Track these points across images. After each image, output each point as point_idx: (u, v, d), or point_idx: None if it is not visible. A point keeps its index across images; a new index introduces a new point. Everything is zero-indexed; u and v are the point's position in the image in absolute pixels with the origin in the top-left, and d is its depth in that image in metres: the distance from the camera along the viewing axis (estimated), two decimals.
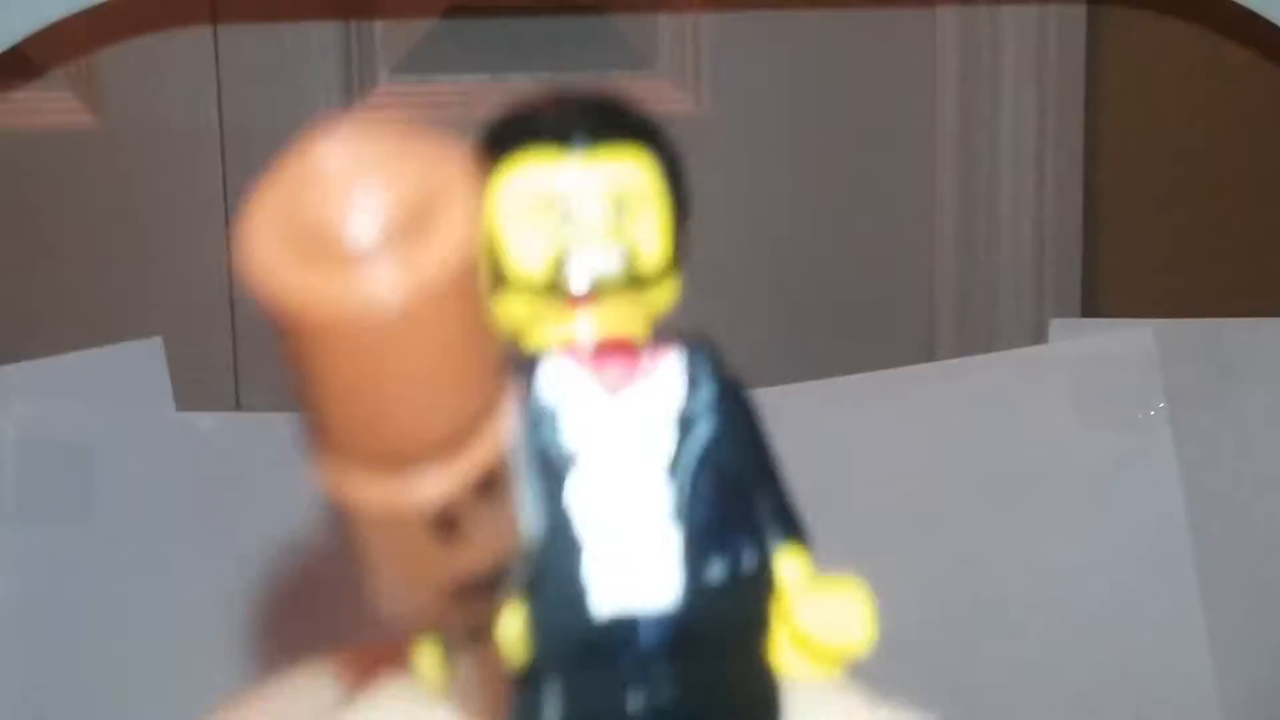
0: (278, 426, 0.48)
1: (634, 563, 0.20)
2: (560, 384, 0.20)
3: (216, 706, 0.23)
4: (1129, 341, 0.42)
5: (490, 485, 0.16)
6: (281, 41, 0.74)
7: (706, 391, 0.21)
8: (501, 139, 0.21)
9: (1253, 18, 0.42)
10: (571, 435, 0.20)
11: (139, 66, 0.74)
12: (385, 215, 0.14)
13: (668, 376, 0.21)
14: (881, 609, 0.24)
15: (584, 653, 0.20)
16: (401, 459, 0.16)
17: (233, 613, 0.45)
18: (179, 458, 0.46)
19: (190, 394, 0.50)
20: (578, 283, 0.20)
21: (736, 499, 0.21)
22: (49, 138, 0.74)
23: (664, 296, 0.22)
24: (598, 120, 0.21)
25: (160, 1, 0.73)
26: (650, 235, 0.21)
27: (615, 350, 0.21)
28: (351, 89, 0.75)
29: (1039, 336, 0.72)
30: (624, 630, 0.20)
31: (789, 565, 0.21)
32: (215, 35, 0.74)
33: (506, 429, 0.16)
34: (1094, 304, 0.74)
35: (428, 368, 0.15)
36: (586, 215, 0.20)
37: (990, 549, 0.42)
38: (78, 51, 0.73)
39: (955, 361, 0.45)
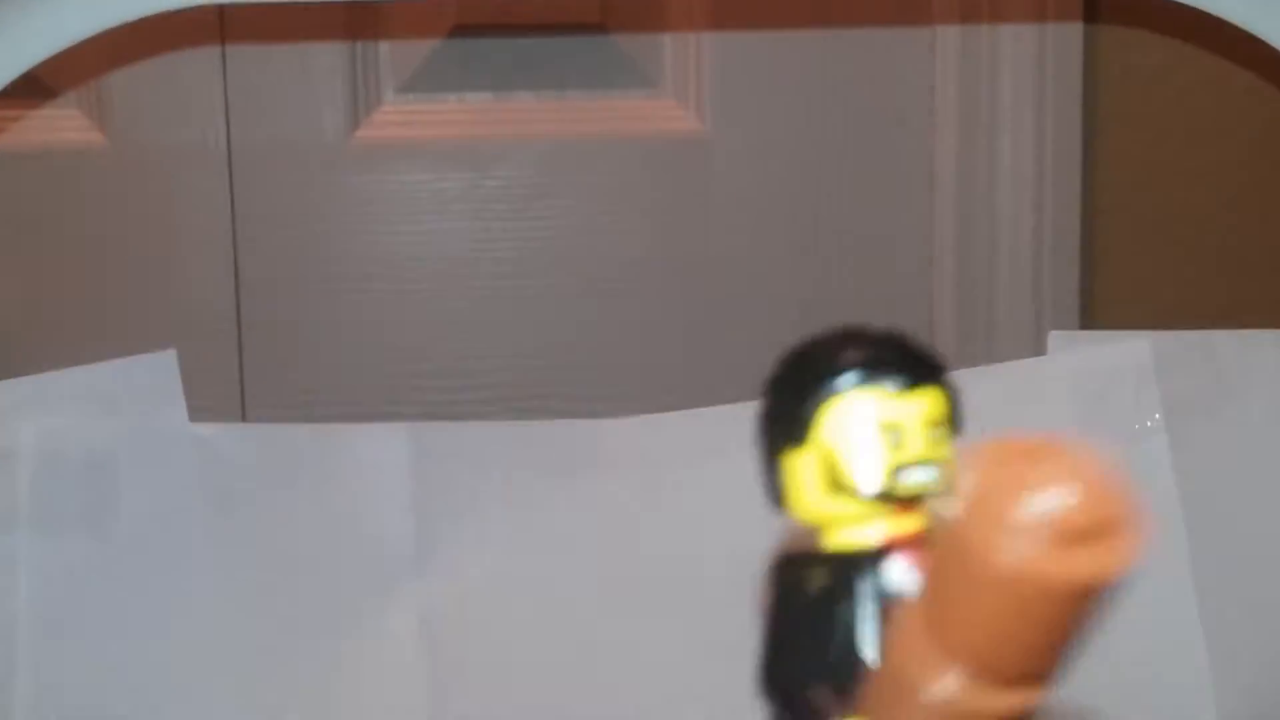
0: (290, 438, 0.48)
1: None
2: (904, 575, 0.25)
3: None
4: (1125, 353, 0.42)
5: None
6: (288, 62, 0.75)
7: None
8: (840, 370, 0.26)
9: (1250, 39, 0.43)
10: None
11: (148, 86, 0.74)
12: (1092, 519, 0.19)
13: None
14: None
15: None
16: (985, 675, 0.21)
17: (246, 622, 0.46)
18: (193, 469, 0.46)
19: (196, 408, 0.50)
20: (909, 492, 0.26)
21: None
22: (59, 156, 0.75)
23: None
24: (910, 359, 0.27)
25: (170, 23, 0.74)
26: (947, 452, 0.26)
27: (921, 544, 0.26)
28: (357, 108, 0.76)
29: (1038, 349, 0.72)
30: None
31: None
32: (223, 56, 0.74)
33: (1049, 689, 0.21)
34: (1092, 318, 0.75)
35: (1073, 627, 0.20)
36: (912, 439, 0.26)
37: None
38: (89, 72, 0.74)
39: (952, 374, 0.46)
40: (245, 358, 0.76)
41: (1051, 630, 0.21)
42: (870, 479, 0.26)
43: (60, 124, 0.75)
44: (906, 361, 0.26)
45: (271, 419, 0.73)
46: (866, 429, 0.26)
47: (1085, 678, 0.42)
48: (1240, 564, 0.42)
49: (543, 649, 0.49)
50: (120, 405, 0.46)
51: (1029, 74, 0.74)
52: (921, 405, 0.26)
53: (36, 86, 0.74)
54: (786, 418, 0.27)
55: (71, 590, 0.45)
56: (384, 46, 0.76)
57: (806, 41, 0.75)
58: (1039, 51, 0.74)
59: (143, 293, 0.75)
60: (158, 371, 0.46)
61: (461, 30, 0.76)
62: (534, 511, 0.49)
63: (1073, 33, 0.74)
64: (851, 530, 0.26)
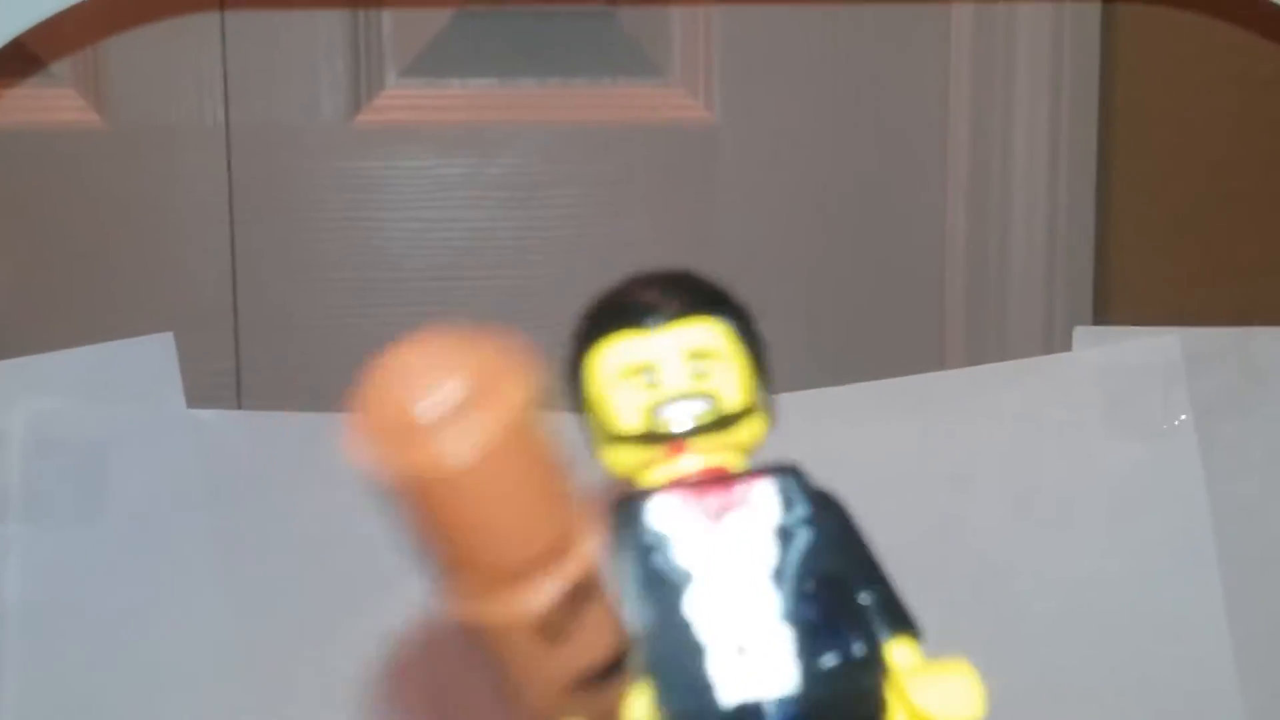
0: (291, 425, 0.47)
1: (753, 658, 0.24)
2: (668, 515, 0.24)
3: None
4: (1154, 349, 0.42)
5: (583, 592, 0.20)
6: (289, 44, 0.74)
7: (800, 508, 0.25)
8: (595, 322, 0.26)
9: (1277, 19, 0.42)
10: (684, 557, 0.24)
11: (145, 64, 0.73)
12: (449, 398, 0.19)
13: (763, 499, 0.25)
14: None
15: None
16: (500, 580, 0.20)
17: (243, 609, 0.45)
18: (190, 455, 0.45)
19: (190, 394, 0.49)
20: (669, 429, 0.25)
21: (840, 595, 0.25)
22: (54, 136, 0.74)
23: (753, 432, 0.25)
24: (671, 294, 0.25)
25: None
26: (728, 383, 0.25)
27: (712, 482, 0.25)
28: (358, 91, 0.75)
29: (1049, 345, 0.71)
30: (751, 715, 0.23)
31: (901, 651, 0.24)
32: (223, 34, 0.73)
33: (592, 545, 0.20)
34: (1105, 313, 0.74)
35: (506, 504, 0.19)
36: (671, 375, 0.25)
37: (1013, 557, 0.42)
38: (82, 44, 0.73)
39: (979, 368, 0.45)
40: (241, 343, 0.75)
41: (448, 519, 0.20)
42: (626, 423, 0.25)
43: (56, 103, 0.74)
44: (665, 295, 0.25)
45: (267, 406, 0.72)
46: (617, 372, 0.25)
47: (1111, 677, 0.41)
48: (1270, 566, 0.41)
49: None
50: (116, 388, 0.45)
51: (1044, 62, 0.73)
52: (679, 339, 0.25)
53: (29, 61, 0.73)
54: (569, 376, 0.26)
55: (62, 577, 0.44)
56: (387, 30, 0.75)
57: (817, 29, 0.74)
58: (1055, 36, 0.73)
59: (137, 276, 0.74)
60: (155, 354, 0.45)
61: (466, 13, 0.75)
62: None
63: (1090, 19, 0.73)
64: (650, 477, 0.25)
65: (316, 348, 0.75)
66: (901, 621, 0.25)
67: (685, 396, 0.25)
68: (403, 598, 0.46)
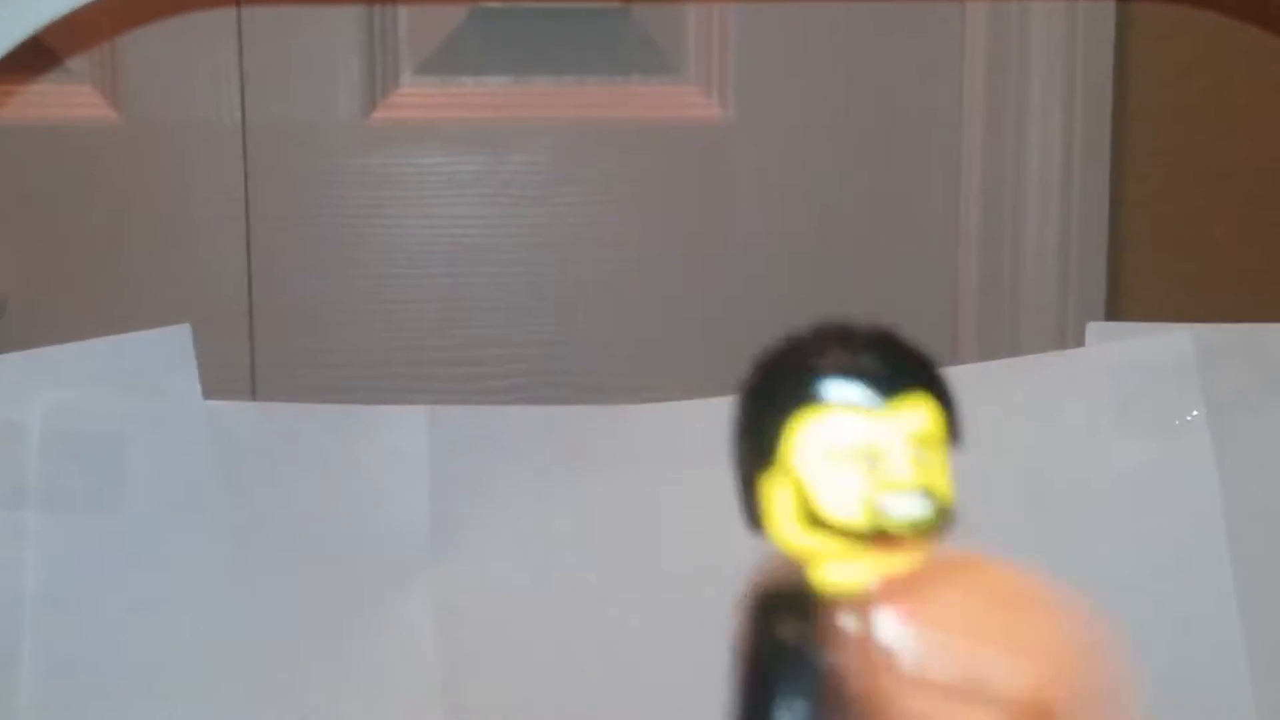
0: (307, 418, 0.47)
1: None
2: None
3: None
4: (1167, 346, 0.42)
5: None
6: (305, 42, 0.74)
7: None
8: (799, 383, 0.22)
9: None
10: None
11: (162, 61, 0.73)
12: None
13: None
14: None
15: None
16: None
17: (256, 598, 0.45)
18: (206, 447, 0.45)
19: (206, 385, 0.49)
20: (895, 528, 0.21)
21: None
22: (72, 132, 0.74)
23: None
24: (893, 366, 0.21)
25: None
26: (942, 475, 0.22)
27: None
28: (374, 89, 0.75)
29: (1061, 342, 0.71)
30: None
31: None
32: (240, 31, 0.74)
33: None
34: (1117, 311, 0.74)
35: None
36: (895, 461, 0.21)
37: (1024, 554, 0.41)
38: (100, 40, 0.73)
39: (991, 364, 0.45)
40: (256, 340, 0.75)
41: None
42: (841, 511, 0.22)
43: (74, 100, 0.74)
44: (887, 367, 0.22)
45: (281, 400, 0.72)
46: (835, 452, 0.22)
47: None
48: None
49: (559, 638, 0.48)
50: (133, 380, 0.45)
51: (1059, 59, 0.73)
52: (906, 420, 0.22)
53: (46, 57, 0.73)
54: (754, 436, 0.23)
55: (80, 567, 0.44)
56: (402, 27, 0.75)
57: (831, 27, 0.74)
58: (1069, 34, 0.73)
59: (154, 271, 0.75)
60: (171, 346, 0.45)
61: (481, 11, 0.75)
62: (553, 498, 0.48)
63: (1104, 19, 0.73)
64: (836, 567, 0.22)
65: (332, 344, 0.76)
66: None
67: (909, 489, 0.22)
68: (420, 593, 0.46)
